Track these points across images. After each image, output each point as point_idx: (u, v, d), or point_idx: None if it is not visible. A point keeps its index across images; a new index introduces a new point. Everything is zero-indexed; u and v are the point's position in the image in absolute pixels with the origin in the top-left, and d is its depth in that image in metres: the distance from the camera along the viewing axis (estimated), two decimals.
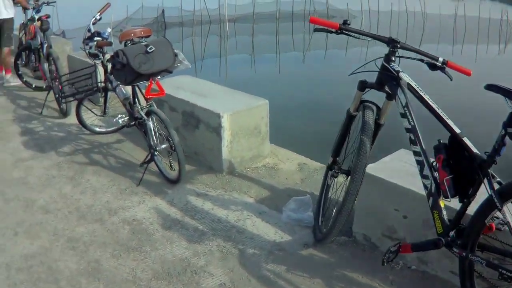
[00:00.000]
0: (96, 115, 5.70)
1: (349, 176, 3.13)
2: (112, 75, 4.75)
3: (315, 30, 3.01)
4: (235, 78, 16.50)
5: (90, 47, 5.06)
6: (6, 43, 8.57)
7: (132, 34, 4.67)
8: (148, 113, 4.66)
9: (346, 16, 35.08)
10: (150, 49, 4.27)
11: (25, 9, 9.01)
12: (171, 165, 4.62)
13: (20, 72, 8.07)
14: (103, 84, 5.34)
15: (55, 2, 8.92)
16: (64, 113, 6.59)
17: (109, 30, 5.23)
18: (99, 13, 5.42)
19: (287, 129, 9.88)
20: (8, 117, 6.82)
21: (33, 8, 7.98)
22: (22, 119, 6.70)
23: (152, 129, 4.63)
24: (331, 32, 2.98)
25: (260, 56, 24.81)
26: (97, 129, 5.84)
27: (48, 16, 7.07)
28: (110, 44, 5.00)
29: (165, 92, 4.65)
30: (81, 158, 5.30)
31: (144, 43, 4.42)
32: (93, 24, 5.31)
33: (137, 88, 4.80)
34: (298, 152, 5.31)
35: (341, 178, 3.50)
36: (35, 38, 7.45)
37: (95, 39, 5.04)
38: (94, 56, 5.11)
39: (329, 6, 36.87)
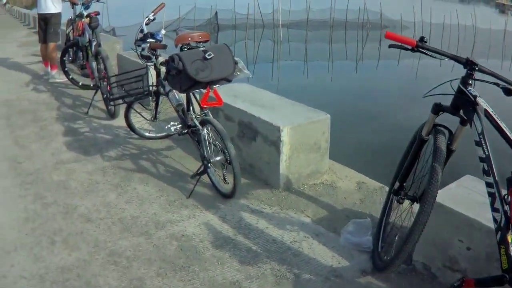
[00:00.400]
0: (146, 119, 5.53)
1: (415, 202, 3.11)
2: (165, 80, 4.55)
3: (390, 46, 2.95)
4: (288, 85, 16.37)
5: (143, 49, 4.89)
6: (53, 38, 8.59)
7: (189, 38, 4.48)
8: (203, 122, 4.45)
9: (398, 26, 34.95)
10: (209, 55, 4.05)
11: (73, 4, 9.03)
12: (224, 178, 4.38)
13: (66, 69, 8.03)
14: (154, 88, 5.17)
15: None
16: (112, 115, 6.46)
17: (163, 31, 5.05)
18: (153, 13, 5.26)
19: (343, 143, 9.57)
20: (52, 115, 6.75)
21: (82, 4, 7.96)
22: (66, 118, 6.61)
23: (206, 139, 4.45)
24: (406, 49, 2.91)
25: (313, 63, 24.81)
26: (147, 134, 5.68)
27: (97, 13, 6.99)
28: (164, 47, 4.81)
29: (222, 102, 4.44)
30: (128, 164, 5.13)
31: (202, 48, 4.22)
32: (146, 24, 5.15)
33: (192, 95, 4.65)
34: (354, 167, 5.13)
35: (405, 204, 3.39)
36: (84, 35, 7.39)
37: (148, 40, 4.87)
38: (146, 58, 4.94)
39: (382, 16, 37.08)
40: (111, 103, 5.91)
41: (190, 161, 5.16)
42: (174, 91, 4.75)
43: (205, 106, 4.37)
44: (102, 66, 6.64)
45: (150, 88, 5.18)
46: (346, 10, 37.39)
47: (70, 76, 8.06)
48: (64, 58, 7.97)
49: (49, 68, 8.90)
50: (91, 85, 7.82)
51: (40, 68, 10.01)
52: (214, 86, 4.21)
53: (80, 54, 8.01)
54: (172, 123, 4.87)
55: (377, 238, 3.56)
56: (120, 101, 5.47)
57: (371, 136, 11.28)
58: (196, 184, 4.51)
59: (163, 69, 4.80)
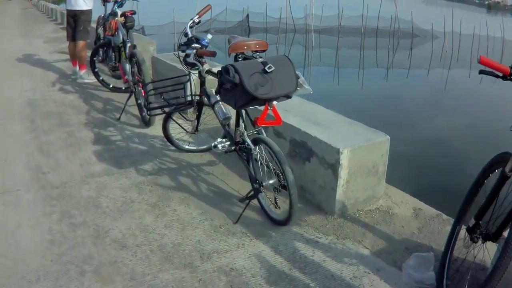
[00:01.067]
0: (187, 131, 5.07)
1: (488, 240, 2.96)
2: (218, 94, 4.02)
3: (480, 72, 2.82)
4: (319, 92, 15.79)
5: (187, 55, 4.44)
6: (82, 36, 8.20)
7: (245, 47, 4.05)
8: (256, 141, 3.97)
9: (429, 36, 34.74)
10: (269, 68, 3.56)
11: (105, 1, 8.68)
12: (276, 202, 3.92)
13: (96, 70, 7.61)
14: (198, 98, 4.72)
15: None
16: (147, 123, 6.03)
17: (209, 36, 4.56)
18: (198, 16, 4.77)
19: (395, 163, 9.11)
20: (80, 120, 6.34)
21: (115, 2, 7.57)
22: (96, 124, 6.19)
23: (259, 160, 3.99)
24: (497, 76, 2.78)
25: (344, 70, 24.63)
26: (186, 147, 5.24)
27: (133, 12, 6.52)
28: (213, 54, 4.33)
29: (281, 121, 3.94)
30: (166, 180, 4.67)
31: (260, 59, 3.73)
32: (191, 27, 4.68)
33: (243, 110, 4.18)
34: (407, 190, 4.77)
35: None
36: (117, 35, 6.97)
37: (193, 45, 4.42)
38: (190, 65, 4.49)
39: (413, 26, 36.77)
40: (149, 112, 5.37)
41: (234, 179, 4.71)
42: (221, 102, 4.30)
43: (262, 125, 3.89)
44: (136, 70, 6.20)
45: (194, 98, 4.72)
46: (378, 17, 37.09)
47: (100, 78, 7.65)
48: (94, 58, 7.55)
49: (77, 67, 8.52)
50: (123, 88, 7.43)
51: (68, 66, 9.65)
52: (273, 103, 3.70)
53: (112, 54, 7.56)
54: (219, 140, 4.35)
55: (441, 275, 3.30)
56: (159, 111, 4.97)
57: (425, 156, 10.72)
58: (245, 209, 4.04)
59: (208, 78, 4.44)
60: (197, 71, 4.57)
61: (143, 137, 5.76)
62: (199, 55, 4.35)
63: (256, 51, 4.07)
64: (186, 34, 4.51)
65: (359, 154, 4.12)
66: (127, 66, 6.47)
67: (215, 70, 4.26)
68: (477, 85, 19.92)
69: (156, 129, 5.75)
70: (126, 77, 6.66)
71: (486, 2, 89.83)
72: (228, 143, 4.26)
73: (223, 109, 4.29)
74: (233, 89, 3.56)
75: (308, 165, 4.31)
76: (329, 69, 24.54)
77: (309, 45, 31.02)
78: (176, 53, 4.62)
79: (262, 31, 33.88)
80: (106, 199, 4.28)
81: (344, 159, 3.99)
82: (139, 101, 6.24)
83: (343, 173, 4.05)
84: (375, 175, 4.33)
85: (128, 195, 4.35)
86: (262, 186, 3.91)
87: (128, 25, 6.33)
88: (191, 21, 4.62)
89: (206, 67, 4.45)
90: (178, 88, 4.84)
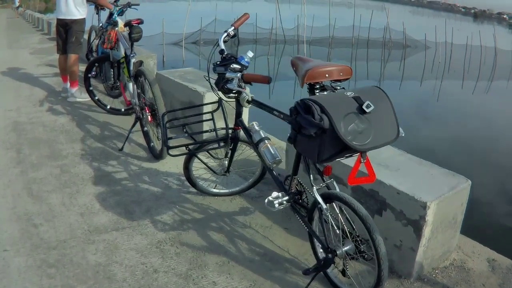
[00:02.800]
0: (215, 173, 4.05)
1: None
2: (292, 142, 2.93)
3: None
4: None
5: (229, 80, 3.44)
6: (75, 48, 7.19)
7: (327, 75, 2.96)
8: (327, 197, 2.96)
9: (420, 46, 34.46)
10: (368, 107, 2.52)
11: (99, 9, 7.73)
12: (344, 271, 2.95)
13: (91, 88, 6.60)
14: (232, 133, 3.75)
15: (138, 5, 7.61)
16: (157, 156, 5.03)
17: (250, 54, 3.54)
18: (233, 27, 3.72)
19: None
20: (75, 150, 5.32)
21: (111, 11, 6.66)
22: (94, 156, 5.17)
23: (331, 223, 2.91)
24: None
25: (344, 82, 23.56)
26: (213, 190, 4.26)
27: (140, 22, 5.49)
28: (269, 81, 3.32)
29: (375, 177, 2.85)
30: (193, 238, 3.65)
31: (350, 93, 2.67)
32: (225, 42, 3.66)
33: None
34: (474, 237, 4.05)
35: None
36: (117, 48, 5.99)
37: (232, 66, 3.42)
38: (227, 91, 3.51)
39: (405, 36, 36.22)
40: (168, 151, 3.86)
41: (278, 233, 3.73)
42: (267, 141, 3.33)
43: (353, 184, 2.82)
44: (148, 90, 5.16)
45: (228, 133, 3.74)
46: (369, 28, 36.54)
47: (96, 98, 6.63)
48: (89, 75, 6.53)
49: (68, 84, 7.50)
50: (122, 110, 6.44)
51: (57, 82, 8.61)
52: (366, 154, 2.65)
53: (111, 71, 6.50)
54: (274, 194, 3.21)
55: None
56: (182, 149, 3.79)
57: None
58: (310, 283, 3.05)
59: (246, 107, 3.53)
60: (231, 99, 3.58)
61: (154, 174, 4.75)
62: (246, 81, 3.38)
63: (340, 80, 3.05)
64: (221, 51, 3.52)
65: (444, 206, 3.27)
66: (131, 86, 5.46)
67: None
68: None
69: (168, 164, 4.80)
70: (129, 99, 5.67)
71: (472, 11, 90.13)
72: (286, 197, 3.21)
73: (271, 149, 3.32)
74: (318, 136, 2.55)
75: (379, 220, 3.37)
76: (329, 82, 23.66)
77: (301, 55, 30.14)
78: (206, 75, 3.63)
79: (251, 42, 33.05)
80: (121, 267, 3.25)
81: (430, 215, 3.13)
82: (145, 129, 5.25)
83: (426, 231, 3.20)
84: (453, 227, 3.55)
85: (148, 261, 3.32)
86: (336, 255, 2.91)
87: (134, 37, 5.30)
88: (225, 34, 3.62)
89: (246, 95, 3.46)
90: (205, 119, 3.86)
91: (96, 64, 6.72)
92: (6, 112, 6.82)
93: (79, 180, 4.58)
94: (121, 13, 6.41)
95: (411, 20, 40.49)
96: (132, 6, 7.61)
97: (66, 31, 7.21)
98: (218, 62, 3.48)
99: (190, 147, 3.80)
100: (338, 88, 2.99)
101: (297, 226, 3.63)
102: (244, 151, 4.08)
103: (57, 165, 4.94)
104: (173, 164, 4.77)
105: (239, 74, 3.35)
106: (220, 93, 3.56)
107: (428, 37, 35.49)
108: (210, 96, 5.28)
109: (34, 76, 9.39)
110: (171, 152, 3.69)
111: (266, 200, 3.15)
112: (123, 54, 5.72)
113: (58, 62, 7.68)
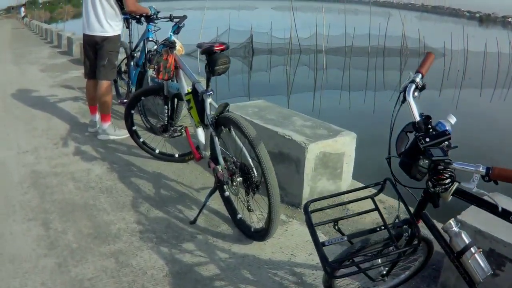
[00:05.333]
0: (372, 279, 2.52)
1: None
2: None
3: None
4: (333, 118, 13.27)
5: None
6: (107, 73, 5.66)
7: None
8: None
9: (437, 54, 33.28)
10: None
11: (137, 21, 6.23)
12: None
13: (134, 128, 5.05)
14: (414, 229, 2.27)
15: (185, 17, 6.09)
16: (250, 234, 3.51)
17: (453, 120, 2.08)
18: (420, 74, 2.21)
19: None
20: (128, 224, 3.74)
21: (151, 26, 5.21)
22: (158, 233, 3.59)
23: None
24: None
25: (355, 92, 22.56)
26: None
27: (226, 47, 3.76)
28: None
29: None
30: None
31: None
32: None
33: None
34: None
35: None
36: (177, 79, 4.41)
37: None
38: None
39: (420, 44, 35.08)
40: (333, 273, 2.20)
41: None
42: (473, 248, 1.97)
43: None
44: (240, 146, 3.52)
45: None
46: (385, 36, 35.26)
47: (141, 140, 5.06)
48: (133, 111, 4.97)
49: (97, 116, 5.96)
50: (176, 156, 4.93)
51: (79, 110, 7.08)
52: None
53: (165, 108, 4.79)
54: None
55: None
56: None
57: None
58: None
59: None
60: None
61: (254, 265, 3.20)
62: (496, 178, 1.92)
63: None
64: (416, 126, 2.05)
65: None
66: (204, 136, 3.93)
67: None
68: None
69: (269, 247, 3.36)
70: (201, 154, 4.11)
71: (477, 15, 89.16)
72: None
73: (480, 260, 2.18)
74: None
75: None
76: (349, 93, 22.09)
77: (318, 67, 28.69)
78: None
79: (266, 53, 31.67)
80: None
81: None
82: (226, 193, 3.71)
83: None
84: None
85: None
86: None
87: (218, 70, 3.68)
88: (413, 87, 2.15)
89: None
90: (365, 210, 2.39)
91: (142, 98, 5.08)
92: (21, 155, 5.26)
93: (150, 282, 3.01)
94: (177, 30, 4.80)
95: (419, 26, 39.22)
96: (174, 20, 6.14)
97: (95, 51, 5.65)
98: (425, 139, 2.00)
99: (358, 260, 2.26)
100: None
101: None
102: None
103: (109, 253, 3.35)
104: (276, 247, 3.25)
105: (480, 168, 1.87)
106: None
107: (441, 43, 34.26)
108: (315, 149, 3.77)
109: (49, 101, 7.81)
110: (337, 273, 2.17)
111: None
112: (187, 89, 4.15)
113: (85, 89, 6.12)
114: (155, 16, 6.13)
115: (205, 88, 3.78)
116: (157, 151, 5.02)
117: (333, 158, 4.12)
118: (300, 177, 3.95)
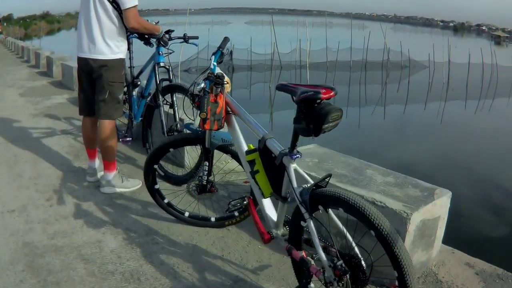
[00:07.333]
0: None
1: None
2: None
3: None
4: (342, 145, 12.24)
5: None
6: (108, 111, 4.46)
7: None
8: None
9: (418, 66, 33.35)
10: None
11: (130, 43, 5.14)
12: None
13: (157, 187, 3.86)
14: None
15: (197, 38, 5.36)
16: None
17: None
18: None
19: None
20: None
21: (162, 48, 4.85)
22: None
23: None
24: None
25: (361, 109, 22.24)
26: None
27: (334, 93, 2.50)
28: None
29: None
30: None
31: None
32: None
33: None
34: None
35: None
36: (229, 129, 3.22)
37: None
38: None
39: (403, 57, 35.48)
40: None
41: None
42: None
43: None
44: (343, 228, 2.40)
45: None
46: (366, 50, 35.23)
47: (166, 201, 3.88)
48: (155, 166, 3.77)
49: (97, 162, 4.80)
50: (212, 220, 3.78)
51: (69, 147, 5.93)
52: None
53: (205, 164, 3.52)
54: None
55: None
56: None
57: None
58: None
59: None
60: None
61: None
62: None
63: None
64: None
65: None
66: (266, 205, 2.82)
67: None
68: None
69: None
70: (270, 231, 2.95)
71: (451, 24, 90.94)
72: None
73: None
74: None
75: None
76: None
77: (302, 82, 28.03)
78: None
79: (246, 69, 30.80)
80: None
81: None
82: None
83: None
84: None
85: None
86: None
87: (325, 129, 2.43)
88: None
89: None
90: None
91: (171, 150, 3.82)
92: (6, 217, 4.06)
93: None
94: (220, 57, 3.53)
95: (391, 37, 39.39)
96: (190, 41, 5.06)
97: (91, 81, 4.46)
98: None
99: None
100: None
101: None
102: None
103: None
104: None
105: None
106: None
107: (424, 56, 34.75)
108: (416, 219, 2.89)
109: (33, 135, 6.57)
110: None
111: None
112: (246, 146, 3.02)
113: (82, 127, 4.92)
114: (168, 36, 4.99)
115: (288, 149, 2.63)
116: (186, 214, 3.86)
117: (430, 225, 3.14)
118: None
